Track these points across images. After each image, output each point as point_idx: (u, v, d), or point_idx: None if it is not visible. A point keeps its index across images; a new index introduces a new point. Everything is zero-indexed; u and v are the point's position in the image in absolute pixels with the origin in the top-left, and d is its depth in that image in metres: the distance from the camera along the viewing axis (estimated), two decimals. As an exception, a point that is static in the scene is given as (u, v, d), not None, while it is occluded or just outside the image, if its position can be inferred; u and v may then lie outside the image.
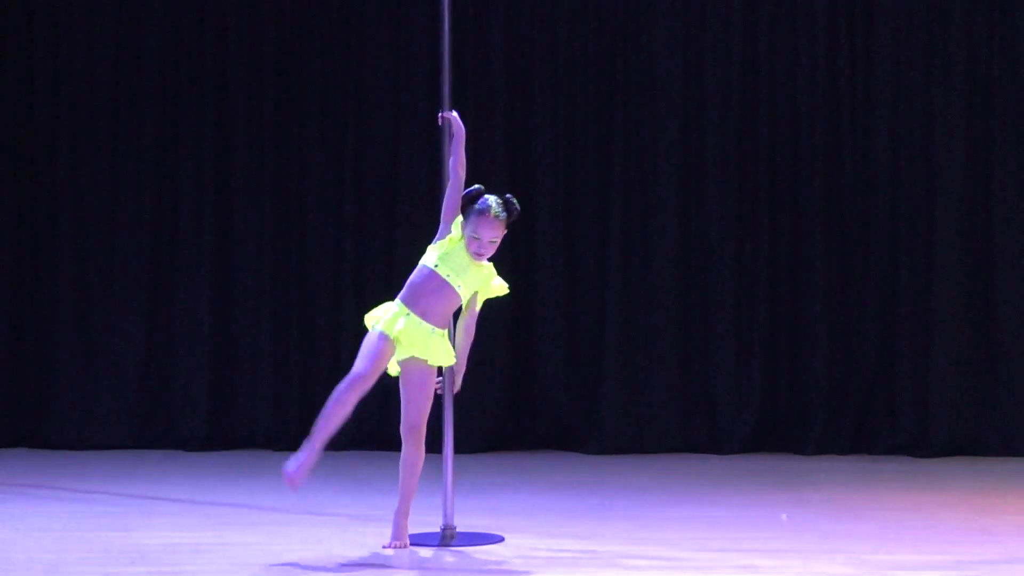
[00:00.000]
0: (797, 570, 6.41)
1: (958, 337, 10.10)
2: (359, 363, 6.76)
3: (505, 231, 6.79)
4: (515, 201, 6.81)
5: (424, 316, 6.78)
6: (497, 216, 6.74)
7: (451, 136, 6.96)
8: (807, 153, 10.24)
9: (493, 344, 10.06)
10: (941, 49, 10.13)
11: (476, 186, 6.84)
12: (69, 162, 10.58)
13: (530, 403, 10.39)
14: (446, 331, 6.86)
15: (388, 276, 10.23)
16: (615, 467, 9.70)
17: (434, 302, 6.79)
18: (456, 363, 6.90)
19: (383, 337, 6.77)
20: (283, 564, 6.54)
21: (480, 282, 6.85)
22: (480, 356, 9.83)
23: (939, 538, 7.12)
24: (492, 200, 6.77)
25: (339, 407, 6.76)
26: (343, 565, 6.54)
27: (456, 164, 6.89)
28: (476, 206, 6.75)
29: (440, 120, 7.02)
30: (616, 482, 9.08)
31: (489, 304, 10.04)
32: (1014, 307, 10.10)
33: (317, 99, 10.51)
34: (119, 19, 10.59)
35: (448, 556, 6.77)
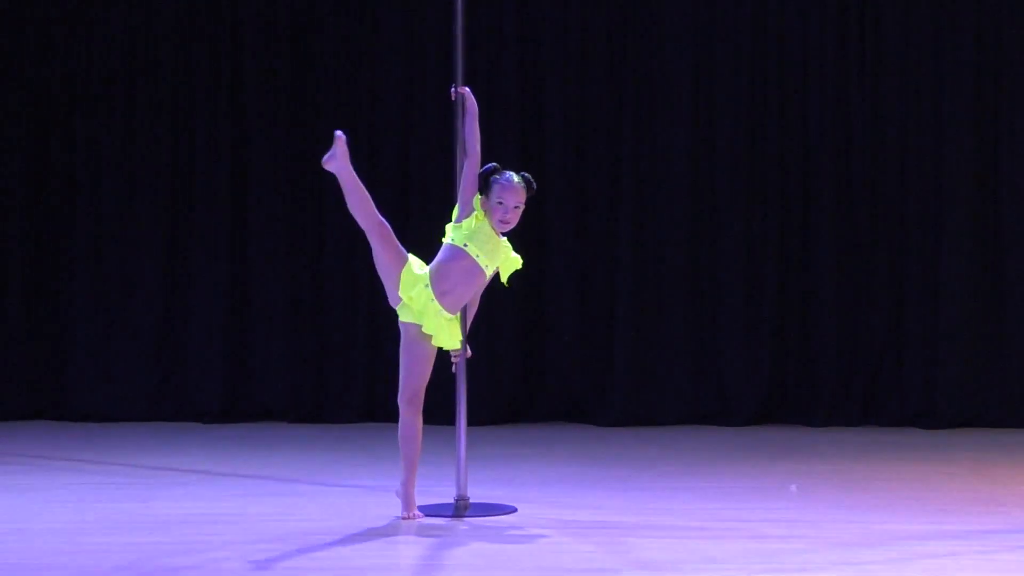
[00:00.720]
0: (806, 539, 6.40)
1: (966, 310, 10.09)
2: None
3: (524, 202, 6.77)
4: (531, 176, 6.83)
5: (442, 296, 6.75)
6: (520, 183, 6.77)
7: (464, 112, 6.92)
8: (816, 127, 10.23)
9: (506, 318, 10.06)
10: (949, 36, 10.11)
11: (491, 164, 6.83)
12: (86, 138, 10.60)
13: (542, 376, 10.40)
14: (457, 316, 6.83)
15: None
16: (626, 439, 9.70)
17: (460, 284, 6.78)
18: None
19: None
20: (299, 534, 6.54)
21: (502, 258, 6.85)
22: (493, 330, 9.87)
23: (946, 508, 7.12)
24: (511, 172, 6.78)
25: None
26: (358, 535, 6.54)
27: (472, 142, 6.87)
28: (496, 176, 6.78)
29: (453, 95, 6.98)
30: (627, 453, 9.08)
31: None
32: (1021, 281, 10.07)
33: (329, 82, 10.49)
34: (135, 6, 10.56)
35: (462, 526, 6.76)
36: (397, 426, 6.88)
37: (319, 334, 10.45)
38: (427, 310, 6.76)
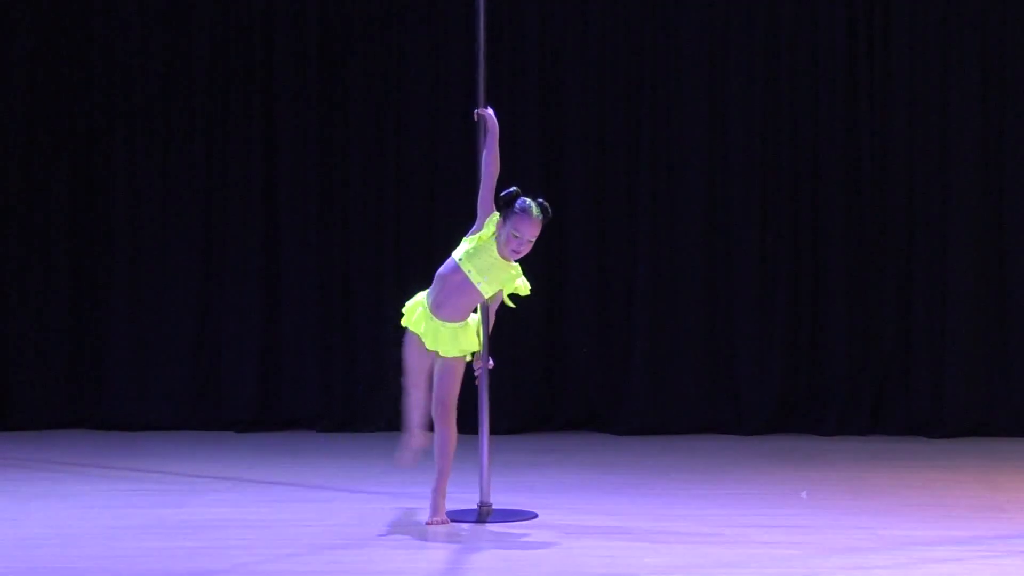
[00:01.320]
0: (816, 545, 6.44)
1: (972, 321, 10.07)
2: (409, 377, 7.01)
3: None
4: (548, 205, 6.86)
5: (437, 308, 6.87)
6: (538, 216, 6.79)
7: (486, 132, 7.01)
8: (827, 143, 10.21)
9: (527, 331, 10.09)
10: (956, 43, 10.11)
11: (512, 188, 6.88)
12: (124, 153, 10.59)
13: (562, 386, 10.42)
14: (458, 324, 6.93)
15: (426, 266, 10.16)
16: (643, 447, 9.71)
17: (452, 295, 6.88)
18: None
19: (410, 335, 6.93)
20: (327, 539, 6.60)
21: (505, 280, 6.90)
22: (514, 342, 9.89)
23: (953, 515, 7.13)
24: (531, 201, 6.82)
25: (408, 398, 7.01)
26: (384, 541, 6.60)
27: (489, 160, 6.93)
28: (516, 206, 6.79)
29: (475, 116, 7.07)
30: (644, 461, 9.09)
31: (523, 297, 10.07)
32: (1026, 292, 10.11)
33: (359, 97, 10.53)
34: (171, 21, 10.62)
35: (484, 531, 6.82)
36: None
37: (348, 347, 10.48)
38: (430, 326, 6.90)
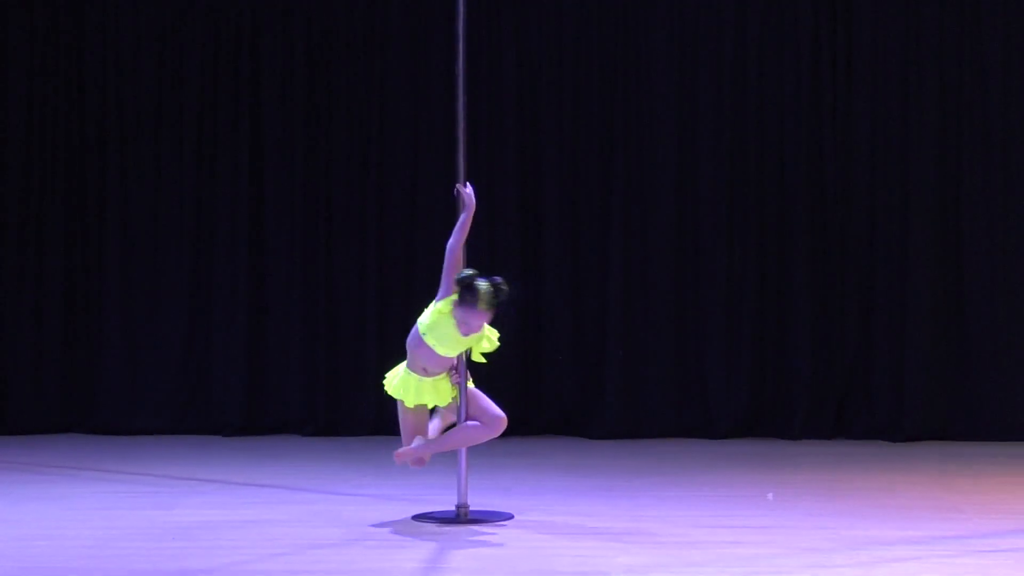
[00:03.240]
0: (781, 545, 6.42)
1: (930, 331, 10.08)
2: (404, 438, 7.04)
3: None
4: (504, 286, 6.81)
5: (423, 373, 6.95)
6: (486, 308, 6.80)
7: (463, 205, 6.99)
8: (792, 159, 10.22)
9: (504, 340, 10.05)
10: (915, 59, 10.13)
11: (468, 272, 6.84)
12: (116, 162, 10.55)
13: (537, 392, 10.40)
14: (445, 373, 6.99)
15: (408, 277, 10.27)
16: (616, 450, 9.70)
17: (429, 362, 6.95)
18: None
19: (407, 411, 7.00)
20: (310, 539, 6.56)
21: (468, 343, 6.93)
22: (492, 351, 9.85)
23: (912, 516, 7.13)
24: (483, 290, 6.77)
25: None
26: (365, 540, 6.57)
27: (458, 233, 6.93)
28: (468, 296, 6.78)
29: (455, 191, 7.06)
30: (616, 464, 9.09)
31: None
32: (983, 302, 10.09)
33: (342, 106, 10.50)
34: (164, 31, 10.57)
35: (462, 532, 6.78)
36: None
37: (333, 355, 10.46)
38: (433, 388, 6.91)
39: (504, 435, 10.06)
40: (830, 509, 7.31)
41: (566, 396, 10.38)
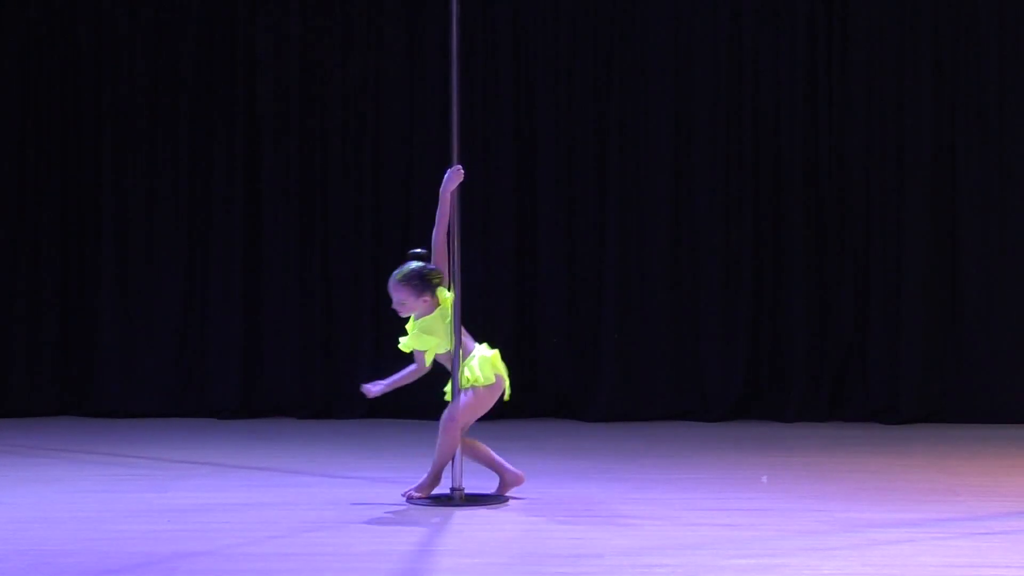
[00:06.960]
0: (775, 527, 6.41)
1: (925, 314, 10.09)
2: (467, 424, 7.20)
3: (405, 290, 6.94)
4: (417, 265, 6.96)
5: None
6: (393, 278, 7.00)
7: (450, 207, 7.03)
8: (787, 143, 10.24)
9: (498, 321, 10.07)
10: (911, 45, 10.14)
11: (417, 250, 7.06)
12: (112, 150, 10.59)
13: (533, 375, 10.40)
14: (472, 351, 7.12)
15: (402, 261, 10.23)
16: (611, 433, 9.70)
17: (444, 360, 7.08)
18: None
19: (485, 393, 7.17)
20: (305, 521, 6.55)
21: (424, 328, 6.99)
22: (487, 334, 9.85)
23: (907, 498, 7.12)
24: (408, 264, 7.02)
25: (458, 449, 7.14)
26: (360, 523, 6.56)
27: (436, 235, 7.04)
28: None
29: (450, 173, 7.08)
30: (611, 447, 9.08)
31: (495, 284, 10.09)
32: (978, 285, 10.10)
33: (337, 94, 10.51)
34: (159, 22, 10.58)
35: (457, 515, 6.78)
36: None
37: (327, 339, 10.46)
38: (483, 362, 7.13)
39: (499, 418, 10.16)
40: (825, 492, 7.31)
41: (561, 379, 10.38)
